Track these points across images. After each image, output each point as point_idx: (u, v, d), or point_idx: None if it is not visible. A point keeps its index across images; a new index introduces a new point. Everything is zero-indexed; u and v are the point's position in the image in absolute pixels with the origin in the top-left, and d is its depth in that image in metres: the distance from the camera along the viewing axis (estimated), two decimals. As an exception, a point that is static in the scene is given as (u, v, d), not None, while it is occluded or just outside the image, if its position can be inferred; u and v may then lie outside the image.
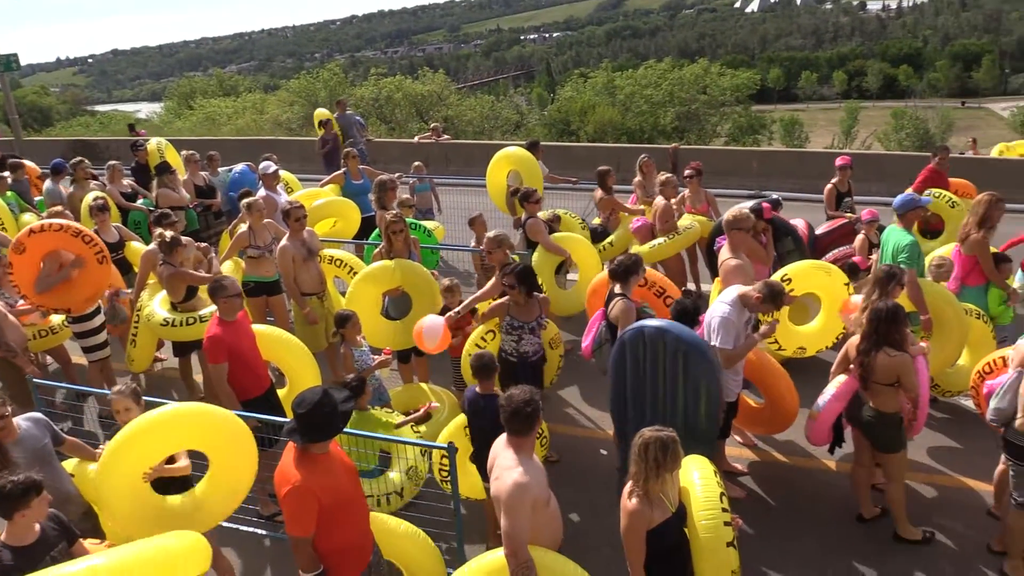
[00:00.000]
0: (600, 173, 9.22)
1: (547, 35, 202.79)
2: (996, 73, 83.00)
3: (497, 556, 3.77)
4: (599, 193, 9.30)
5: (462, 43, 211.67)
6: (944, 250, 7.38)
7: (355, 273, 7.57)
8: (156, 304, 7.21)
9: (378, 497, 5.13)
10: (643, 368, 5.06)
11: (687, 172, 9.23)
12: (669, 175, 9.06)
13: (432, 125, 18.07)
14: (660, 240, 8.55)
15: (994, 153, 13.61)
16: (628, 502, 3.72)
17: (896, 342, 4.95)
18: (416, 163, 12.02)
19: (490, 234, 6.89)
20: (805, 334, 6.80)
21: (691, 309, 5.37)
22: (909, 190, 8.08)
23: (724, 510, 3.90)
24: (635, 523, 3.69)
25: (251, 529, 5.69)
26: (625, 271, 5.79)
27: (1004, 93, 75.76)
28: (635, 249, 8.70)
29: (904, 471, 5.35)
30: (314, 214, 8.78)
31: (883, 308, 4.98)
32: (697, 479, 3.98)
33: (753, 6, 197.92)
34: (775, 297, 5.37)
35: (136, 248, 8.31)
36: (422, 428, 5.82)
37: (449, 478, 4.89)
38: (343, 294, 7.64)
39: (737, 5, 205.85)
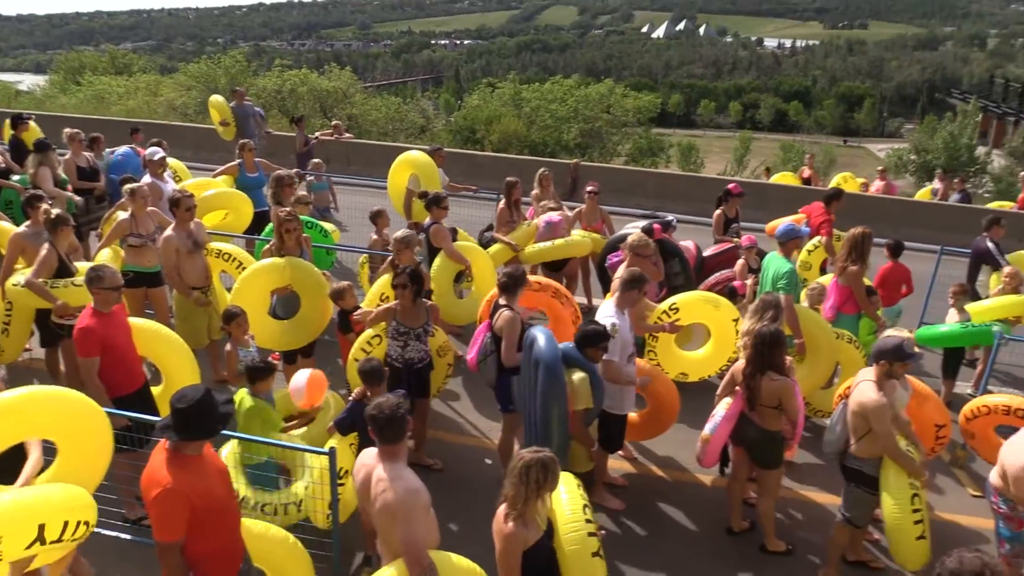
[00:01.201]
0: (507, 184, 9.30)
1: (458, 42, 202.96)
2: (876, 116, 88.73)
3: (395, 569, 3.64)
4: (502, 204, 9.37)
5: (372, 42, 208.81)
6: (825, 279, 7.84)
7: (244, 268, 7.33)
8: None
9: (276, 507, 4.97)
10: (527, 377, 5.18)
11: (588, 189, 9.43)
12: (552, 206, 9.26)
13: (334, 122, 17.73)
14: (548, 244, 8.69)
15: (831, 184, 14.64)
16: (505, 525, 3.68)
17: (778, 366, 5.21)
18: (315, 160, 11.76)
19: (398, 234, 6.84)
20: (690, 360, 7.06)
21: (592, 336, 5.34)
22: (788, 219, 8.55)
23: (588, 521, 3.98)
24: (512, 546, 3.67)
25: (115, 534, 5.39)
26: (513, 283, 5.86)
27: (882, 135, 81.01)
28: (530, 251, 8.83)
29: (778, 487, 5.63)
30: (203, 205, 8.45)
31: (766, 333, 5.22)
32: (563, 491, 4.04)
33: (659, 32, 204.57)
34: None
35: (5, 229, 7.75)
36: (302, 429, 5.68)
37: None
38: (229, 290, 7.39)
39: (644, 30, 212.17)
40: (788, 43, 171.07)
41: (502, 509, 3.74)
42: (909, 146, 36.08)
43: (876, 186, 15.50)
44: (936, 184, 15.44)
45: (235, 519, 3.92)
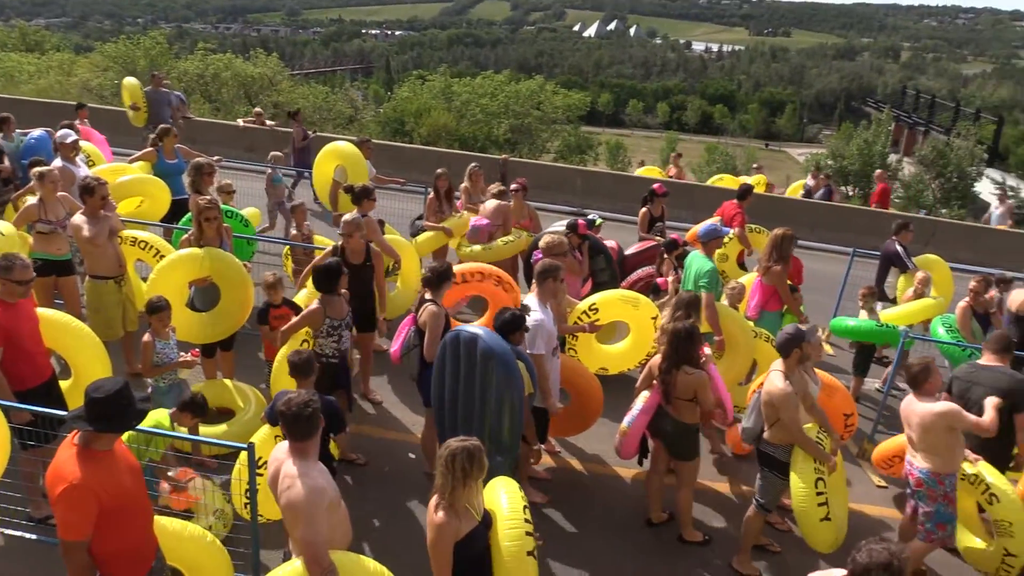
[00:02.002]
0: (437, 176, 9.26)
1: (389, 32, 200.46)
2: (796, 121, 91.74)
3: (296, 566, 3.61)
4: (431, 195, 9.33)
5: (300, 29, 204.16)
6: (747, 279, 8.09)
7: (162, 257, 7.10)
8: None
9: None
10: (459, 374, 5.16)
11: (513, 187, 9.48)
12: (502, 187, 9.32)
13: (255, 110, 17.30)
14: (501, 241, 8.80)
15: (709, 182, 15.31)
16: (435, 515, 3.68)
17: (693, 360, 5.36)
18: (275, 152, 11.33)
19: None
20: (610, 354, 7.19)
21: (511, 320, 5.41)
22: (713, 220, 8.78)
23: (527, 521, 4.01)
24: (443, 536, 3.67)
25: (19, 533, 5.15)
26: (437, 278, 5.85)
27: (802, 140, 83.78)
28: (467, 251, 8.87)
29: (695, 478, 5.79)
30: (118, 191, 8.14)
31: (681, 329, 5.37)
32: (502, 492, 4.06)
33: (591, 31, 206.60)
34: None
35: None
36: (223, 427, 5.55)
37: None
38: (145, 279, 7.14)
39: (576, 28, 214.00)
40: (715, 47, 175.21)
41: (433, 499, 3.75)
42: (827, 151, 37.35)
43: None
44: (809, 180, 16.08)
45: (147, 517, 3.80)
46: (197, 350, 6.26)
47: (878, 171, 17.78)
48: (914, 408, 5.22)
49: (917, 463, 5.21)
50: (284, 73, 33.60)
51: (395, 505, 5.81)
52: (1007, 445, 5.63)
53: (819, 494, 5.07)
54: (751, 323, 7.21)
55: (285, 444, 3.77)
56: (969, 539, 5.62)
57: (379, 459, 6.39)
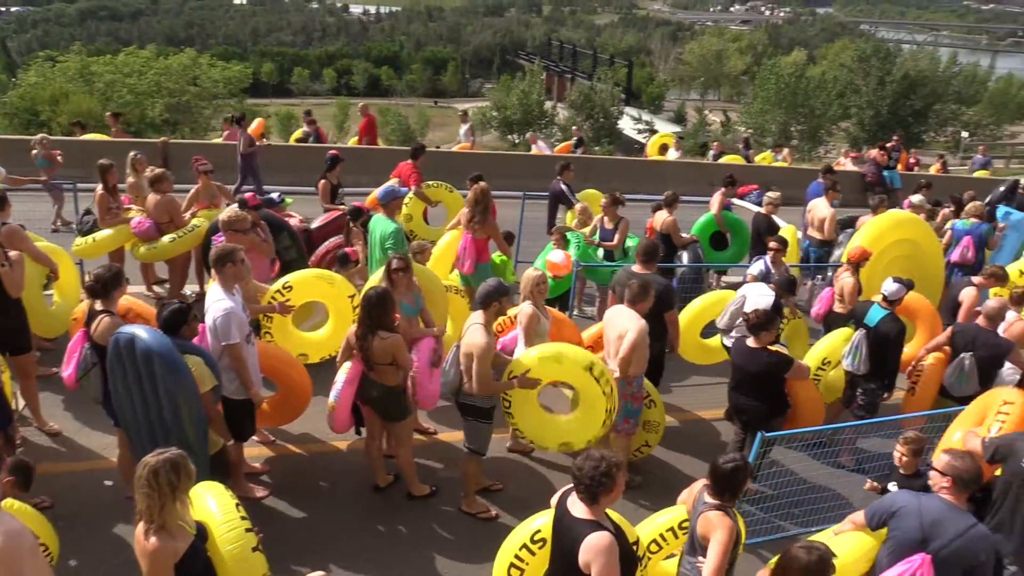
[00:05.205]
0: (101, 168, 8.25)
1: (3, 8, 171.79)
2: (459, 78, 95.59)
3: None
4: (99, 189, 8.29)
5: None
6: (449, 238, 8.51)
7: None
8: None
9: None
10: (129, 381, 4.74)
11: (199, 168, 8.75)
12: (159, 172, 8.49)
13: None
14: (167, 238, 8.08)
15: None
16: (147, 542, 3.35)
17: (387, 325, 5.44)
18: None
19: None
20: (310, 341, 6.99)
21: (174, 314, 5.04)
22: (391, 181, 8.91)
23: (243, 518, 3.84)
24: (161, 561, 3.37)
25: None
26: (104, 286, 5.25)
27: (466, 95, 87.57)
28: (142, 252, 8.12)
29: (411, 436, 5.96)
30: None
31: (372, 295, 5.41)
32: (208, 496, 3.83)
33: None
34: None
35: None
36: None
37: None
38: None
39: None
40: (373, 9, 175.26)
41: (140, 526, 3.41)
42: (490, 104, 39.58)
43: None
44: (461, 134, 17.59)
45: None
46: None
47: (361, 104, 19.33)
48: (616, 321, 5.82)
49: (611, 366, 5.81)
50: None
51: (96, 540, 5.23)
52: None
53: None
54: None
55: None
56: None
57: (69, 495, 5.65)
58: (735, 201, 11.08)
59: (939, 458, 4.20)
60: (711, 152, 20.20)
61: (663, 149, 19.78)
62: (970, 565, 3.91)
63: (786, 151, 21.71)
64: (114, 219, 8.28)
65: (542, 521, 4.21)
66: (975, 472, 4.09)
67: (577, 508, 3.60)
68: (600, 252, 8.88)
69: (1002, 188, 12.38)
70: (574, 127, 17.33)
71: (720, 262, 10.19)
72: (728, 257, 10.20)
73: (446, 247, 8.46)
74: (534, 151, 18.03)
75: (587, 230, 9.07)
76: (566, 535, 3.61)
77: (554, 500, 3.92)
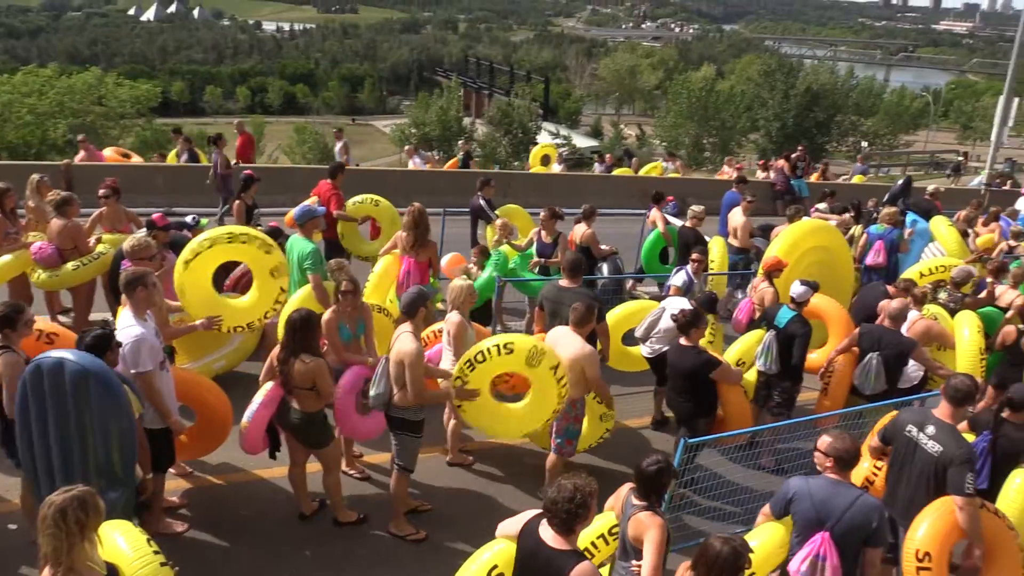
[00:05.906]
0: (3, 192, 7.86)
1: None
2: (377, 95, 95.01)
3: None
4: None
5: None
6: (382, 265, 8.35)
7: None
8: None
9: None
10: (47, 412, 4.46)
11: (102, 192, 8.39)
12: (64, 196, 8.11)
13: None
14: (71, 265, 7.69)
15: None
16: None
17: (311, 349, 5.32)
18: None
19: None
20: (231, 306, 6.82)
21: (98, 338, 4.81)
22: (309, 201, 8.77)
23: (156, 552, 3.68)
24: None
25: None
26: (4, 319, 4.95)
27: (385, 112, 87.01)
28: (43, 279, 7.72)
29: (338, 462, 5.82)
30: None
31: (296, 318, 5.28)
32: (116, 535, 3.66)
33: (149, 15, 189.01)
34: None
35: None
36: None
37: None
38: None
39: (131, 12, 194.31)
40: (286, 27, 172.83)
41: (46, 571, 3.22)
42: (409, 121, 39.44)
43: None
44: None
45: None
46: None
47: (237, 121, 18.74)
48: (561, 347, 5.79)
49: None
50: None
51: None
52: None
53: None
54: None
55: None
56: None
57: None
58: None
59: (821, 439, 4.43)
60: (596, 165, 20.98)
61: (545, 160, 20.09)
62: (866, 533, 4.17)
63: (679, 162, 21.64)
64: (12, 244, 7.88)
65: (493, 554, 3.95)
66: (854, 450, 4.37)
67: (553, 539, 3.55)
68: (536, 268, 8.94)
69: (900, 183, 14.09)
70: (460, 141, 17.45)
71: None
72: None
73: (383, 273, 8.33)
74: (411, 166, 18.04)
75: (523, 243, 9.14)
76: (546, 569, 3.54)
77: (508, 531, 3.87)
